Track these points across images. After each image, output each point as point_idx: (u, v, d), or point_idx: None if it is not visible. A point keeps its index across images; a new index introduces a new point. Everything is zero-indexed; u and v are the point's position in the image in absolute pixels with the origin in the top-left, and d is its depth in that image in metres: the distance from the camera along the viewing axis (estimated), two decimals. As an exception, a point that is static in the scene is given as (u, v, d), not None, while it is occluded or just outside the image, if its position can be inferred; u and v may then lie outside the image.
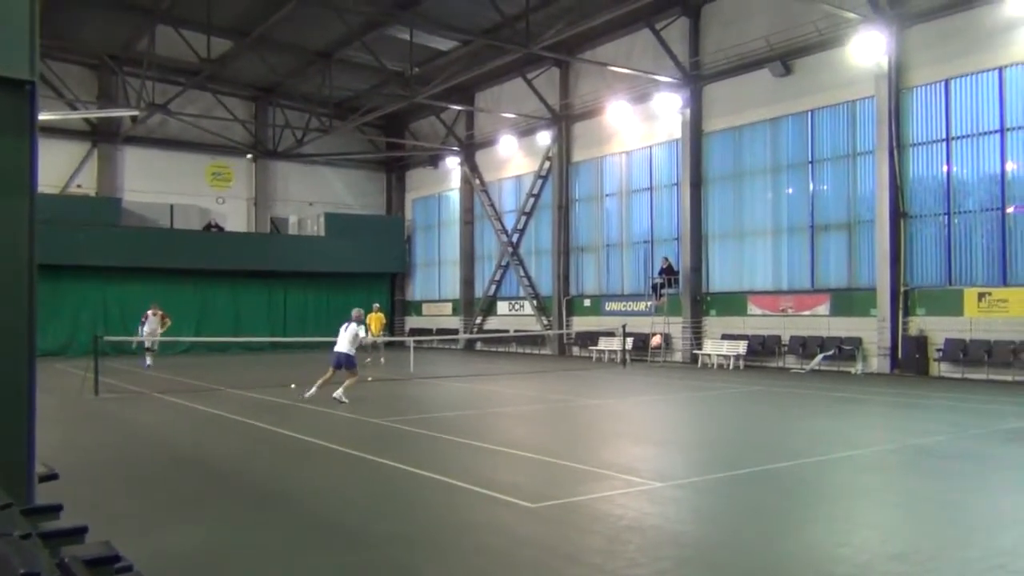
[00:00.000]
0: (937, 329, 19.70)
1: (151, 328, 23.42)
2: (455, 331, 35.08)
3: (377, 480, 8.39)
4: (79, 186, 32.45)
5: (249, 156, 36.21)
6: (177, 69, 30.02)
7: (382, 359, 25.04)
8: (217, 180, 35.95)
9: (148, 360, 23.47)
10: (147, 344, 23.68)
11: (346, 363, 15.08)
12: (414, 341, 25.53)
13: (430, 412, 13.99)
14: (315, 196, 38.13)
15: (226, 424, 12.54)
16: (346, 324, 15.40)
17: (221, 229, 34.83)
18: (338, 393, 14.78)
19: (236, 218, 36.20)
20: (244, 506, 7.26)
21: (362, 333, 15.62)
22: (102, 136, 33.00)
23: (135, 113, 29.88)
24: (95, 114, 31.23)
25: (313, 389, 15.17)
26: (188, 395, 16.42)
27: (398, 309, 39.76)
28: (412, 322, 39.40)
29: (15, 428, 4.38)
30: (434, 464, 8.93)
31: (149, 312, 23.67)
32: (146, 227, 32.59)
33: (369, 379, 19.99)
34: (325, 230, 35.58)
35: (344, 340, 15.15)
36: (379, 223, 38.60)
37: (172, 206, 33.81)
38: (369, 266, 37.04)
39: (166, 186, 33.93)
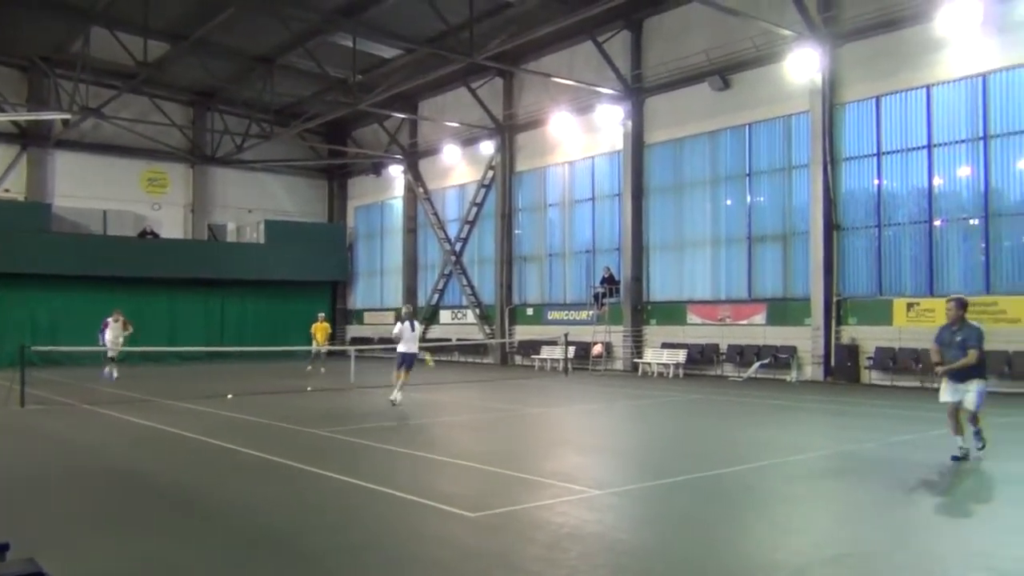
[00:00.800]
0: (868, 338, 20.28)
1: (113, 336, 22.20)
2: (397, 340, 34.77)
3: (315, 492, 8.26)
4: (7, 191, 31.37)
5: (187, 163, 35.49)
6: (112, 72, 29.26)
7: (322, 369, 24.71)
8: (153, 186, 35.12)
9: (113, 372, 22.12)
10: (110, 353, 22.41)
11: (412, 363, 15.78)
12: (355, 350, 25.21)
13: (370, 422, 13.84)
14: (255, 203, 37.50)
15: (159, 436, 12.21)
16: (409, 324, 15.66)
17: (156, 236, 33.98)
18: (396, 396, 15.31)
19: (172, 225, 35.38)
20: (178, 521, 7.07)
21: (394, 330, 15.99)
22: (32, 139, 31.99)
23: (67, 116, 29.01)
24: (24, 117, 30.23)
25: (397, 394, 15.40)
26: (119, 407, 15.95)
27: (339, 318, 39.29)
28: (354, 331, 38.99)
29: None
30: (373, 475, 8.83)
31: (110, 319, 22.49)
32: (78, 233, 31.64)
33: (308, 389, 19.72)
34: (265, 237, 35.01)
35: (414, 340, 15.70)
36: (320, 231, 38.17)
37: (105, 212, 32.89)
38: (310, 274, 36.56)
39: (99, 191, 33.02)
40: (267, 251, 34.71)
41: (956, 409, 9.24)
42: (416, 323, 15.92)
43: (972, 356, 8.99)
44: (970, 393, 9.14)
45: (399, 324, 15.79)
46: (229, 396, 17.48)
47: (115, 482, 8.84)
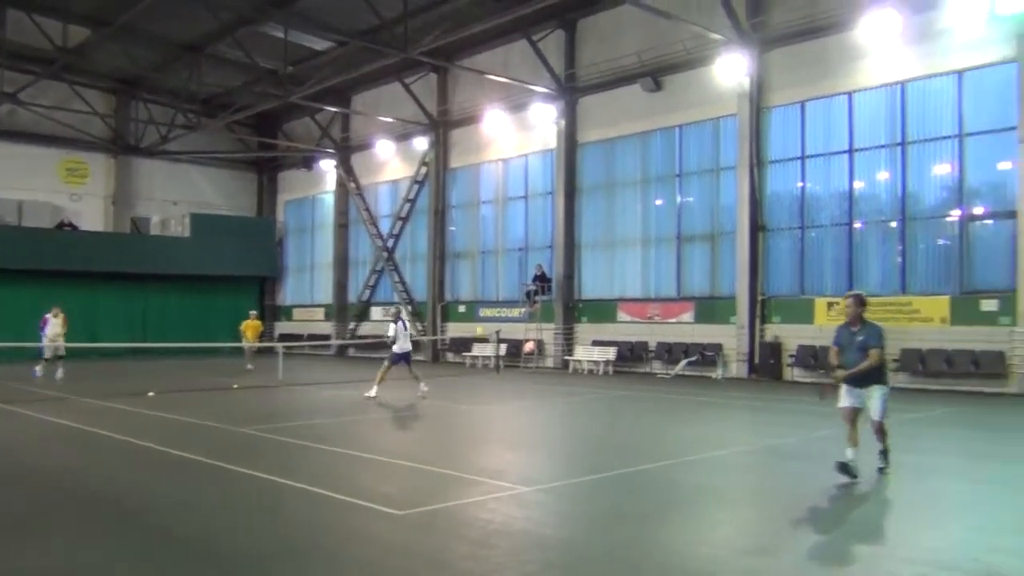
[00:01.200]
0: (791, 336, 20.86)
1: (53, 333, 20.85)
2: (327, 337, 34.36)
3: (239, 492, 8.08)
4: (-87, 178, 29.87)
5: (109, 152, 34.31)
6: (29, 57, 28.11)
7: (248, 366, 24.16)
8: (72, 176, 33.85)
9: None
10: (47, 353, 21.02)
11: (409, 360, 16.61)
12: (284, 347, 24.80)
13: (299, 420, 13.62)
14: (180, 196, 36.51)
15: (76, 436, 11.78)
16: (403, 323, 16.56)
17: (75, 228, 32.77)
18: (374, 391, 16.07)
19: (92, 217, 34.17)
20: (94, 524, 6.83)
21: (388, 331, 16.69)
22: (-59, 125, 30.52)
23: (-21, 101, 27.77)
24: (-67, 101, 28.84)
25: (423, 386, 16.50)
26: (35, 405, 15.33)
27: (268, 314, 38.54)
28: (283, 327, 38.32)
29: None
30: (300, 474, 8.69)
31: (49, 315, 21.13)
32: (-10, 224, 30.32)
33: (235, 387, 19.30)
34: (191, 231, 34.09)
35: (407, 338, 16.43)
36: (249, 225, 37.39)
37: (21, 203, 31.59)
38: (238, 269, 35.78)
39: (14, 181, 31.65)
40: (193, 245, 33.82)
41: (855, 414, 8.31)
42: (407, 322, 16.86)
43: (875, 357, 8.16)
44: (873, 400, 8.27)
45: (393, 325, 16.46)
46: (151, 394, 16.98)
47: (27, 483, 8.49)
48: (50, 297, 30.08)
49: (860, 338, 8.36)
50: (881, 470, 8.35)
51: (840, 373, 8.32)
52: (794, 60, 20.91)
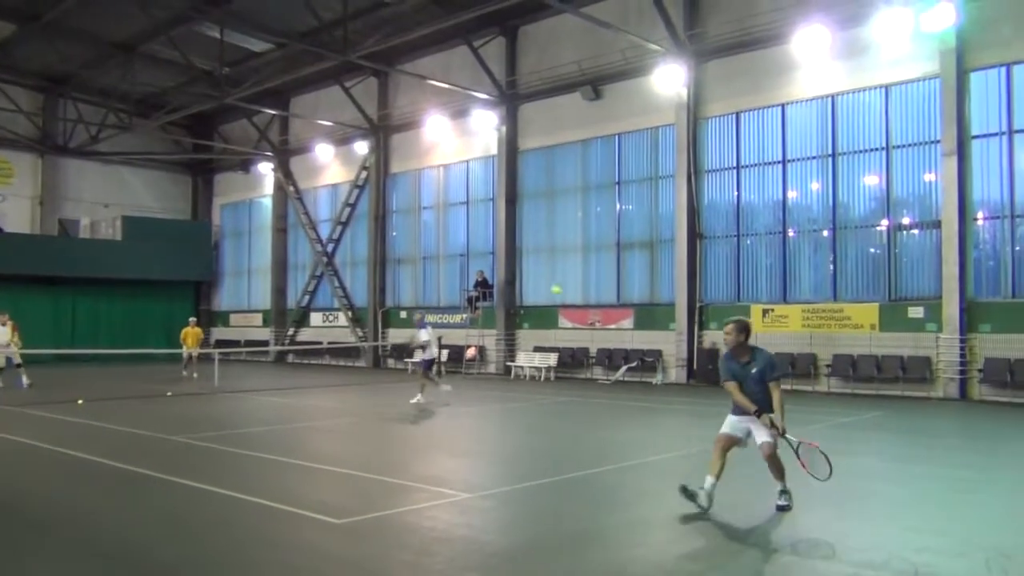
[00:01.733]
0: (727, 342, 21.21)
1: (3, 341, 19.69)
2: (265, 343, 33.78)
3: (170, 502, 7.87)
4: None
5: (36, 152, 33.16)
6: (-50, 51, 27.09)
7: (195, 374, 23.49)
8: (-4, 176, 32.63)
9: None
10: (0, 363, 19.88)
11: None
12: (220, 353, 24.27)
13: (234, 428, 13.34)
14: (112, 198, 35.49)
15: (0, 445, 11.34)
16: (430, 327, 17.15)
17: (0, 229, 31.57)
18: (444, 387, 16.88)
19: (18, 218, 33.00)
20: (18, 534, 6.58)
21: (419, 337, 16.92)
22: None
23: None
24: None
25: (446, 385, 17.22)
26: (-46, 413, 14.71)
27: (204, 319, 37.65)
28: (219, 333, 37.52)
29: None
30: (234, 482, 8.52)
31: None
32: (-93, 225, 29.03)
33: (168, 394, 18.82)
34: (123, 234, 33.20)
35: (434, 342, 16.95)
36: (184, 228, 36.56)
37: (-59, 202, 30.37)
38: (172, 273, 34.93)
39: (-67, 180, 30.41)
40: (125, 248, 32.92)
41: (731, 446, 7.44)
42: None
43: (778, 392, 7.25)
44: (764, 428, 7.25)
45: (422, 330, 16.76)
46: (80, 401, 16.45)
47: (-54, 496, 8.14)
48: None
49: (755, 370, 7.31)
50: (783, 508, 7.30)
51: (768, 418, 7.21)
52: (730, 72, 21.37)
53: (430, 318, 28.40)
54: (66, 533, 6.68)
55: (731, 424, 7.49)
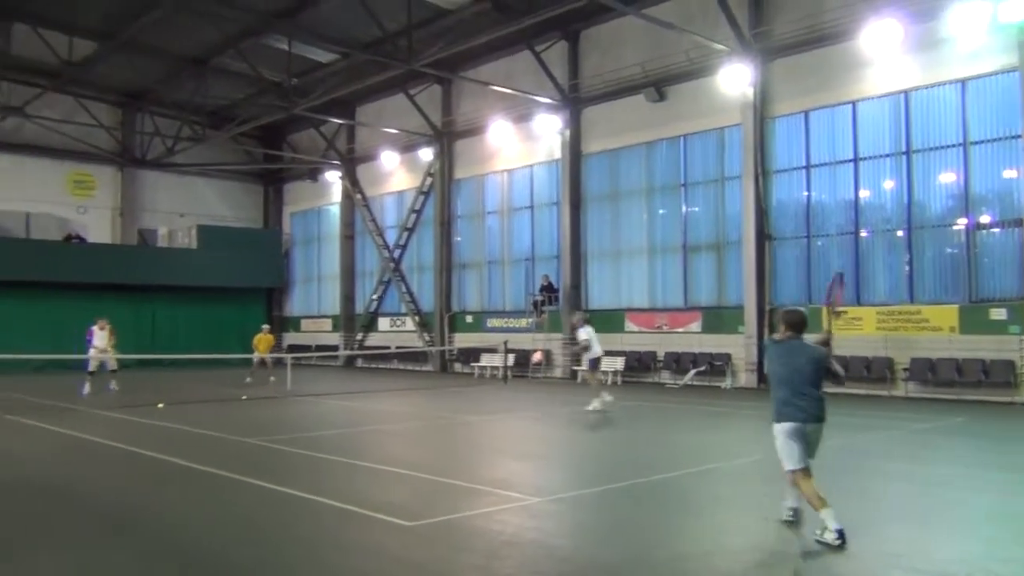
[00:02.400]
0: (798, 345, 20.75)
1: (101, 344, 20.32)
2: (335, 348, 34.40)
3: (245, 503, 8.09)
4: (-79, 192, 30.03)
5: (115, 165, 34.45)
6: (36, 70, 28.28)
7: (272, 378, 24.08)
8: (79, 189, 33.98)
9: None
10: (91, 366, 20.55)
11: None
12: (292, 358, 24.80)
13: (306, 431, 13.63)
14: (187, 207, 36.63)
15: (85, 447, 11.82)
16: (585, 328, 16.03)
17: (83, 240, 32.90)
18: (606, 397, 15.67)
19: (99, 229, 34.28)
20: (101, 533, 6.84)
21: (579, 337, 16.07)
22: (-52, 139, 30.68)
23: (-13, 115, 27.94)
24: (-59, 115, 29.04)
25: (606, 396, 15.83)
26: (43, 416, 15.37)
27: (276, 325, 38.54)
28: (290, 338, 38.36)
29: None
30: (308, 484, 8.70)
31: (95, 327, 20.54)
32: (-2, 237, 30.44)
33: (243, 398, 19.33)
34: (198, 243, 34.20)
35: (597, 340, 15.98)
36: (256, 236, 37.49)
37: (28, 215, 31.71)
38: (245, 280, 35.86)
39: (22, 193, 31.77)
40: (200, 257, 33.91)
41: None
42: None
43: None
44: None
45: (581, 330, 15.98)
46: (160, 405, 17.01)
47: (37, 495, 8.51)
48: (57, 310, 30.36)
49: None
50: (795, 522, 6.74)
51: None
52: (797, 70, 20.94)
53: (495, 322, 28.65)
54: (147, 533, 6.92)
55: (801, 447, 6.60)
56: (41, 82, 28.69)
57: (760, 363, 21.23)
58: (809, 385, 6.52)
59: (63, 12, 23.23)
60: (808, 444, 6.48)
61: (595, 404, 15.45)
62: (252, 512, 7.66)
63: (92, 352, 20.45)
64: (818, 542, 6.18)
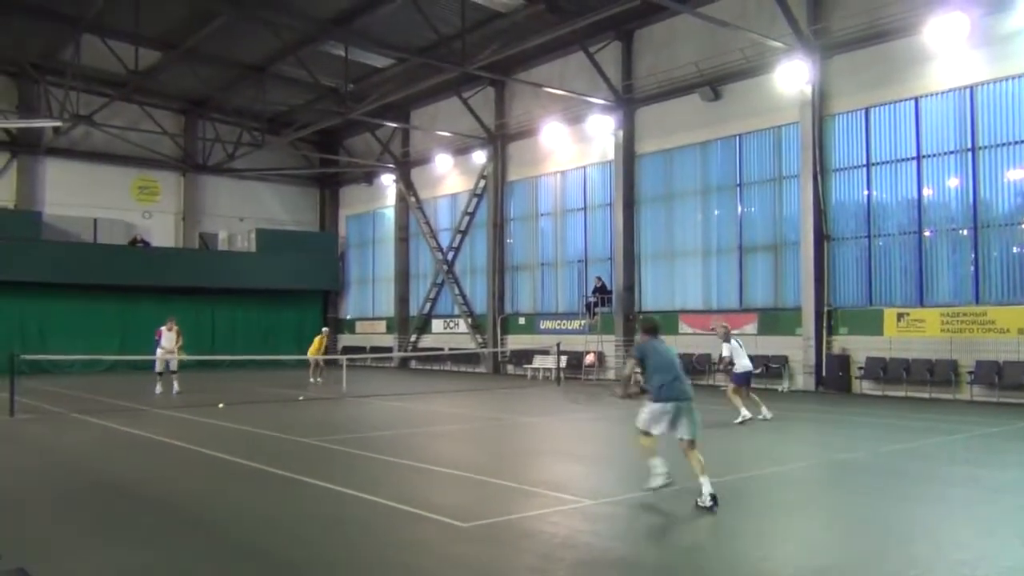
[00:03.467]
0: (859, 348, 20.35)
1: (169, 345, 20.88)
2: (389, 349, 34.77)
3: (303, 501, 8.23)
4: (-4, 198, 31.24)
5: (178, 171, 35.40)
6: (103, 79, 29.21)
7: (318, 379, 24.59)
8: (144, 194, 35.00)
9: (174, 385, 20.81)
10: (158, 368, 21.26)
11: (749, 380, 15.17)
12: (347, 359, 25.17)
13: (361, 431, 13.81)
14: (246, 211, 37.43)
15: (149, 445, 12.17)
16: (736, 340, 15.07)
17: (147, 244, 33.87)
18: (765, 411, 14.60)
19: (163, 233, 35.26)
20: (167, 530, 7.04)
21: (723, 352, 14.99)
22: (22, 147, 31.83)
23: (57, 124, 28.91)
24: (15, 124, 30.12)
25: (745, 412, 14.34)
26: (110, 415, 15.87)
27: (331, 327, 39.16)
28: (345, 340, 38.90)
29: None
30: (364, 484, 8.81)
31: (163, 328, 21.13)
32: (68, 241, 31.50)
33: (300, 398, 19.67)
34: (256, 246, 34.94)
35: (744, 354, 14.97)
36: (312, 239, 38.12)
37: (96, 220, 32.77)
38: (302, 283, 36.50)
39: (90, 199, 32.87)
40: (258, 260, 34.64)
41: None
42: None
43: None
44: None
45: (727, 344, 14.85)
46: (220, 405, 17.41)
47: (103, 492, 8.79)
48: (123, 312, 31.31)
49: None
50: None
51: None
52: (857, 66, 20.49)
53: (547, 324, 28.64)
54: (210, 530, 7.10)
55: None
56: (108, 91, 29.61)
57: (819, 365, 20.85)
58: (682, 372, 8.12)
59: (129, 23, 23.95)
60: (683, 418, 7.92)
61: (743, 414, 14.37)
62: (311, 510, 7.79)
63: (159, 352, 21.00)
64: (651, 489, 7.94)
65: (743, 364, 14.88)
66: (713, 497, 7.44)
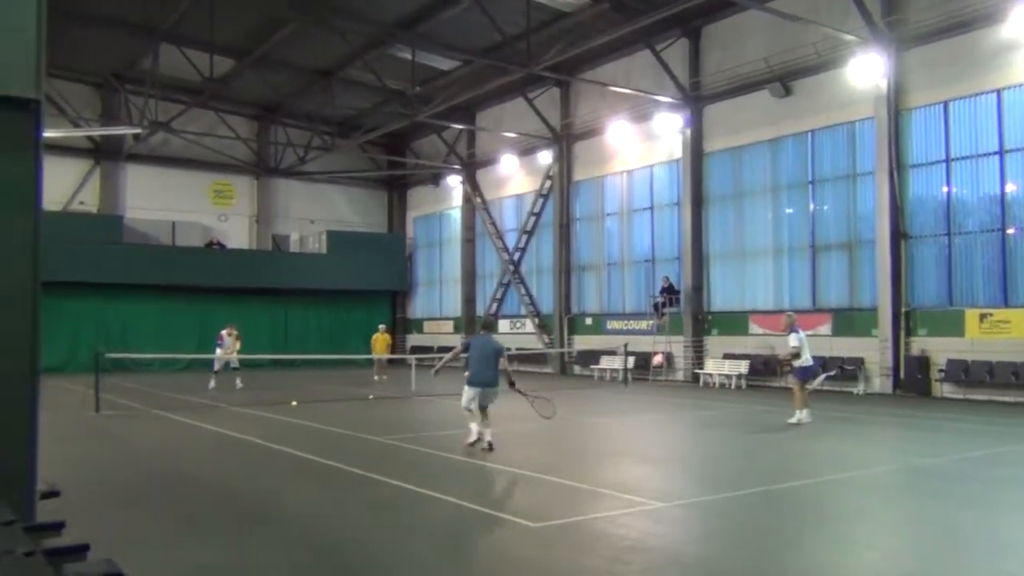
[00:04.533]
0: (939, 349, 19.67)
1: (229, 348, 22.55)
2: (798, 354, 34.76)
3: (376, 499, 8.36)
4: (81, 203, 32.53)
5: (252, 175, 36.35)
6: (180, 87, 30.18)
7: (381, 377, 25.03)
8: (219, 198, 36.05)
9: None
10: (216, 367, 22.53)
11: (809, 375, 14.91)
12: (415, 359, 25.46)
13: (430, 430, 13.95)
14: (317, 214, 38.20)
15: (226, 442, 12.51)
16: (797, 333, 14.41)
17: (223, 246, 34.88)
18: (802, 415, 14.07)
19: (238, 235, 36.26)
20: (243, 525, 7.23)
21: (790, 343, 14.38)
22: (105, 154, 33.13)
23: (137, 131, 30.02)
24: (98, 132, 31.38)
25: (803, 412, 14.13)
26: (188, 412, 16.39)
27: (399, 327, 39.76)
28: (413, 340, 39.35)
29: (17, 445, 4.37)
30: (433, 483, 8.90)
31: (224, 332, 22.73)
32: (148, 244, 32.64)
33: (370, 397, 19.97)
34: (327, 247, 35.64)
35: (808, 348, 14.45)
36: (381, 241, 38.69)
37: (174, 223, 33.88)
38: (371, 283, 37.09)
39: (168, 203, 34.01)
40: (329, 261, 35.33)
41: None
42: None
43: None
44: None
45: (792, 335, 14.31)
46: (294, 403, 17.80)
47: (186, 486, 9.07)
48: (199, 312, 32.27)
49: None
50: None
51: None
52: (935, 58, 19.81)
53: (614, 324, 28.46)
54: (284, 525, 7.26)
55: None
56: (185, 99, 30.60)
57: (896, 367, 20.24)
58: (492, 363, 11.18)
59: (205, 32, 24.72)
60: (485, 398, 11.16)
61: (798, 416, 14.07)
62: (382, 508, 7.91)
63: (219, 352, 22.52)
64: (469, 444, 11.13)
65: (807, 359, 14.44)
66: (491, 444, 10.97)
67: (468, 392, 11.10)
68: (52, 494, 4.99)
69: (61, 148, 30.77)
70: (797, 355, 14.29)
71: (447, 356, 12.44)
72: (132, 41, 28.05)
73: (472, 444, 11.08)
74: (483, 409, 11.07)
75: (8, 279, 4.41)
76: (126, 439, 13.09)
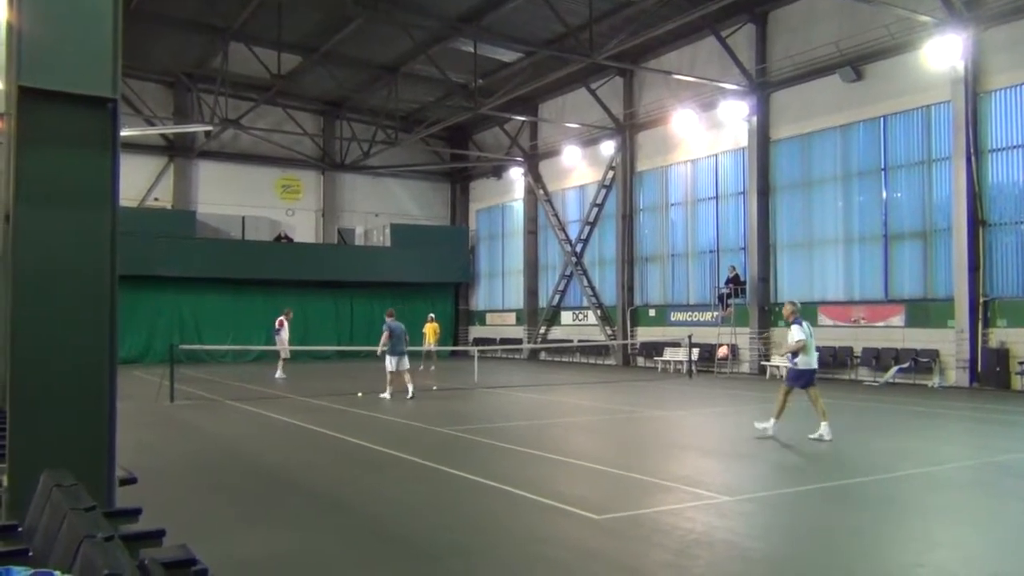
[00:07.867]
0: (1020, 342, 18.91)
1: (288, 336, 23.70)
2: (519, 341, 35.11)
3: (442, 490, 8.44)
4: (156, 199, 33.58)
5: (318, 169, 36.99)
6: (249, 85, 30.87)
7: (432, 367, 25.40)
8: (287, 192, 36.79)
9: (279, 372, 23.40)
10: (284, 354, 23.71)
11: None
12: (478, 350, 25.63)
13: (494, 422, 14.02)
14: (381, 207, 38.70)
15: (296, 431, 12.79)
16: (800, 325, 12.02)
17: (290, 240, 35.62)
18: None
19: (305, 229, 36.97)
20: (313, 514, 7.38)
21: (792, 336, 12.02)
22: (178, 151, 34.11)
23: (209, 128, 30.81)
24: (171, 130, 32.31)
25: (825, 426, 11.52)
26: (259, 402, 16.80)
27: (462, 319, 40.06)
28: (476, 331, 39.59)
29: (97, 434, 4.54)
30: (499, 474, 8.94)
31: (283, 317, 23.88)
32: (219, 238, 33.54)
33: (434, 388, 20.17)
34: (391, 241, 36.07)
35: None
36: (443, 233, 38.97)
37: (244, 218, 34.70)
38: (434, 276, 37.40)
39: (238, 198, 34.86)
40: (393, 254, 35.74)
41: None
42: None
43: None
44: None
45: (796, 327, 11.97)
46: (360, 394, 18.09)
47: (258, 475, 9.31)
48: (268, 304, 32.99)
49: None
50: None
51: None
52: (1016, 38, 18.99)
53: (678, 315, 28.15)
54: (353, 514, 7.38)
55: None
56: (254, 96, 31.28)
57: (973, 360, 19.54)
58: (403, 341, 17.15)
59: (272, 30, 25.23)
60: (402, 362, 17.04)
61: (770, 424, 11.91)
62: (447, 498, 7.98)
63: (283, 338, 23.49)
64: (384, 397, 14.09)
65: (807, 360, 11.93)
66: (413, 395, 16.64)
67: (391, 359, 17.22)
68: (130, 480, 5.18)
69: (136, 146, 31.76)
70: (795, 353, 12.04)
71: (383, 338, 17.64)
72: (203, 41, 28.80)
73: (384, 397, 16.86)
74: (406, 371, 17.21)
75: (88, 272, 4.58)
76: (199, 428, 13.49)
